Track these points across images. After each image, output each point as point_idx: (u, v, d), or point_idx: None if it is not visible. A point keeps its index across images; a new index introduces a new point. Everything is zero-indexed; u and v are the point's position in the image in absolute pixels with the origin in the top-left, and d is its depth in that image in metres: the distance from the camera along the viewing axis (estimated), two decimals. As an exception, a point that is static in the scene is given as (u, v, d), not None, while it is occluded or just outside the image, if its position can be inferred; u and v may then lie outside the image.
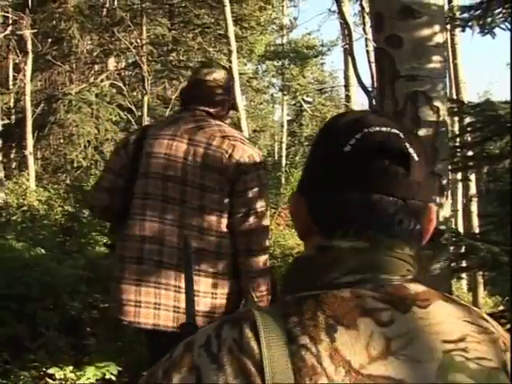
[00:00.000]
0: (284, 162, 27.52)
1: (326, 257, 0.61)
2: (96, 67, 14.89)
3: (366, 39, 7.35)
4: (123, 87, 13.50)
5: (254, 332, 0.56)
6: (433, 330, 0.59)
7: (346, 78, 11.24)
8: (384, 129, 0.64)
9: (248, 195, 2.03)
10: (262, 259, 2.04)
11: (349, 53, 7.84)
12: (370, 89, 5.72)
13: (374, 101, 5.61)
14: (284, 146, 29.73)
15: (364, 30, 7.95)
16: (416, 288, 0.62)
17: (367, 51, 8.06)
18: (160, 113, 14.19)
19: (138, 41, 13.16)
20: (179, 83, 14.65)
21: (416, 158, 0.64)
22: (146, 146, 2.13)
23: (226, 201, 2.03)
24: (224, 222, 2.03)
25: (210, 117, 2.19)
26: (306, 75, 25.25)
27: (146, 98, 13.07)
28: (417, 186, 0.64)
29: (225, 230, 2.04)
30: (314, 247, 0.64)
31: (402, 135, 0.64)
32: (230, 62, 11.56)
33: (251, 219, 2.02)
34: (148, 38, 13.94)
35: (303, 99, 30.60)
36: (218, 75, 2.28)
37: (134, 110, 13.04)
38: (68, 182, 12.13)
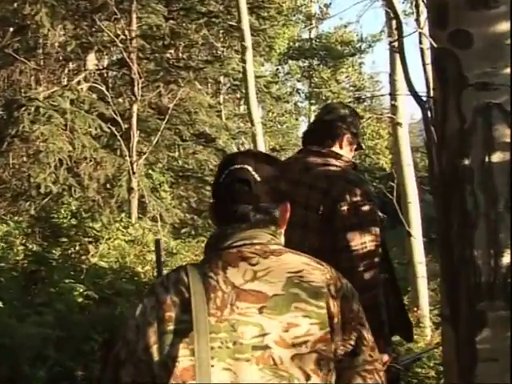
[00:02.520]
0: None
1: (224, 233, 1.65)
2: (71, 65, 15.17)
3: (421, 34, 7.42)
4: (106, 92, 13.71)
5: (185, 273, 1.59)
6: (281, 267, 1.59)
7: (392, 83, 11.24)
8: (239, 166, 1.68)
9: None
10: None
11: (396, 51, 7.91)
12: (424, 98, 5.75)
13: (429, 114, 5.62)
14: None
15: (418, 21, 8.01)
16: (274, 247, 1.65)
17: (421, 50, 8.10)
18: (154, 125, 14.38)
19: (126, 32, 13.40)
20: (178, 88, 14.87)
21: (258, 179, 1.66)
22: None
23: None
24: None
25: (320, 155, 2.97)
26: (340, 79, 25.44)
27: (135, 107, 13.27)
28: (257, 197, 1.67)
29: None
30: (216, 230, 1.69)
31: (250, 168, 1.67)
32: (244, 61, 11.75)
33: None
34: (139, 29, 14.19)
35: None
36: (335, 114, 3.09)
37: (120, 121, 13.20)
38: (33, 212, 12.24)
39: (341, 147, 3.10)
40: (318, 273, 1.63)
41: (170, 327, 1.56)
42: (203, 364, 1.49)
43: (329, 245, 2.74)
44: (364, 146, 3.43)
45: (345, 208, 2.79)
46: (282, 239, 1.74)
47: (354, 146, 3.18)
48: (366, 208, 2.81)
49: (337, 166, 3.00)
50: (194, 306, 1.53)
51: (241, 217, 1.67)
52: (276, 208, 1.71)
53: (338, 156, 3.05)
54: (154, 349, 1.56)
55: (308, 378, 1.55)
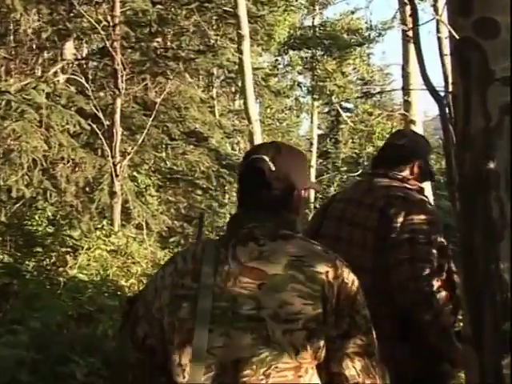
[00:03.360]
0: (312, 194, 27.56)
1: (240, 216, 2.12)
2: (46, 55, 15.13)
3: (439, 22, 7.44)
4: (86, 84, 13.70)
5: (202, 247, 2.08)
6: (286, 250, 1.98)
7: (405, 76, 11.26)
8: (257, 156, 2.10)
9: None
10: None
11: (411, 40, 7.91)
12: (442, 93, 5.75)
13: (447, 111, 5.61)
14: (313, 171, 29.79)
15: (435, 7, 8.01)
16: (285, 231, 2.03)
17: (439, 39, 8.12)
18: (139, 122, 14.37)
19: (109, 18, 13.39)
20: (166, 81, 14.87)
21: (273, 169, 2.06)
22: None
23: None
24: None
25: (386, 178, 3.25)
26: (347, 71, 25.44)
27: (118, 101, 13.25)
28: (271, 184, 2.06)
29: None
30: (235, 213, 2.18)
31: (266, 158, 2.07)
32: (240, 51, 11.79)
33: None
34: (123, 14, 14.18)
35: (341, 106, 30.73)
36: (408, 139, 3.36)
37: (102, 117, 13.19)
38: (3, 218, 12.21)
39: (411, 173, 3.29)
40: (320, 259, 2.01)
41: (182, 292, 2.00)
42: (201, 330, 1.93)
43: (384, 263, 2.96)
44: (433, 175, 3.56)
45: (399, 225, 2.99)
46: (298, 226, 2.11)
47: (425, 175, 3.36)
48: (422, 227, 2.98)
49: (400, 187, 3.18)
50: (203, 277, 1.98)
51: (256, 202, 2.09)
52: (289, 195, 2.10)
53: (404, 179, 3.24)
54: (166, 309, 2.02)
55: (297, 352, 1.91)
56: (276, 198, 2.08)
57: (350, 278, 2.01)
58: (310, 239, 2.14)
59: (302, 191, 2.15)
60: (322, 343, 1.93)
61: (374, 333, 2.02)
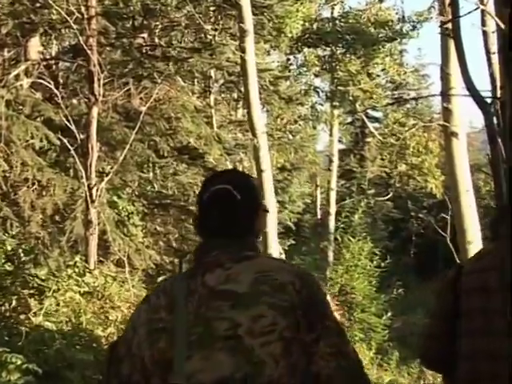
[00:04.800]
0: (333, 222, 27.41)
1: (205, 246, 2.64)
2: (6, 54, 15.20)
3: (484, 13, 7.45)
4: (55, 90, 13.77)
5: (173, 281, 2.64)
6: (251, 269, 2.53)
7: (445, 79, 11.27)
8: (221, 186, 2.62)
9: None
10: None
11: (450, 35, 7.93)
12: (488, 100, 5.74)
13: (495, 120, 5.60)
14: (333, 195, 29.62)
15: (479, -4, 8.04)
16: (249, 253, 2.60)
17: (484, 34, 8.14)
18: (120, 135, 14.41)
19: (83, 9, 13.47)
20: (153, 85, 14.92)
21: (238, 197, 2.60)
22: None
23: None
24: None
25: None
26: (374, 73, 25.45)
27: (95, 110, 13.29)
28: (237, 213, 2.62)
29: None
30: (200, 243, 2.68)
31: (230, 187, 2.60)
32: (243, 49, 11.83)
33: None
34: (100, 5, 14.27)
35: (367, 115, 30.61)
36: None
37: (75, 130, 13.23)
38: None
39: None
40: (285, 272, 2.52)
41: (159, 325, 2.47)
42: (179, 356, 2.39)
43: None
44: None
45: None
46: (259, 246, 2.69)
47: None
48: None
49: None
50: (176, 308, 2.45)
51: (221, 230, 2.59)
52: (253, 220, 2.66)
53: None
54: (145, 344, 2.48)
55: (277, 362, 2.36)
56: (241, 225, 2.62)
57: (316, 286, 2.57)
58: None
59: (262, 214, 2.72)
60: (300, 350, 2.40)
61: (346, 334, 2.56)
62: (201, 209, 2.65)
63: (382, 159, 30.61)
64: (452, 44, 8.84)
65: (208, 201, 2.62)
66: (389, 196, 30.88)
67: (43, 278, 10.56)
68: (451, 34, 7.50)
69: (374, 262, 19.94)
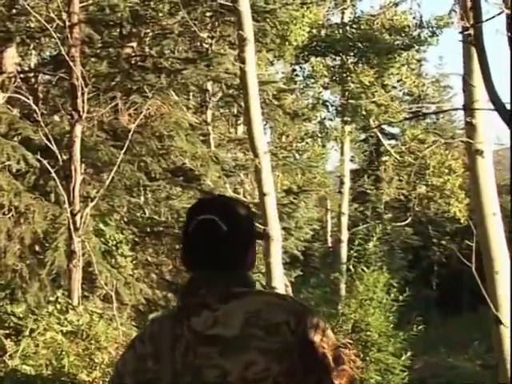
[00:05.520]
0: (345, 251, 27.23)
1: (191, 282, 2.67)
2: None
3: (509, 17, 7.43)
4: (34, 106, 13.78)
5: (158, 326, 2.67)
6: (240, 309, 2.55)
7: (468, 90, 11.26)
8: (206, 216, 2.65)
9: None
10: None
11: (472, 43, 7.91)
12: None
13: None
14: (345, 220, 29.51)
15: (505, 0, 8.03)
16: (237, 289, 2.61)
17: (510, 40, 8.13)
18: (107, 156, 14.41)
19: (65, 16, 13.50)
20: (143, 100, 14.93)
21: (225, 229, 2.62)
22: None
23: None
24: None
25: None
26: (389, 84, 25.49)
27: (78, 128, 13.30)
28: (224, 245, 2.64)
29: None
30: (186, 278, 2.74)
31: (216, 218, 2.63)
32: (243, 60, 11.85)
33: None
34: (84, 10, 14.31)
35: (382, 131, 30.59)
36: None
37: (56, 150, 13.23)
38: None
39: None
40: (278, 310, 2.53)
41: (146, 376, 2.53)
42: None
43: None
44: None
45: None
46: (252, 278, 2.69)
47: None
48: None
49: None
50: (162, 357, 2.51)
51: (208, 264, 2.62)
52: (243, 252, 2.68)
53: None
54: None
55: None
56: (229, 258, 2.64)
57: (314, 322, 2.54)
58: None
59: (254, 245, 2.76)
60: None
61: (355, 378, 2.58)
62: (185, 240, 2.69)
63: (400, 180, 30.67)
64: (473, 52, 8.85)
65: (192, 232, 2.64)
66: (407, 221, 30.76)
67: (21, 315, 10.55)
68: (473, 41, 7.50)
69: (392, 295, 19.81)
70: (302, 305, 2.63)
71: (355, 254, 21.71)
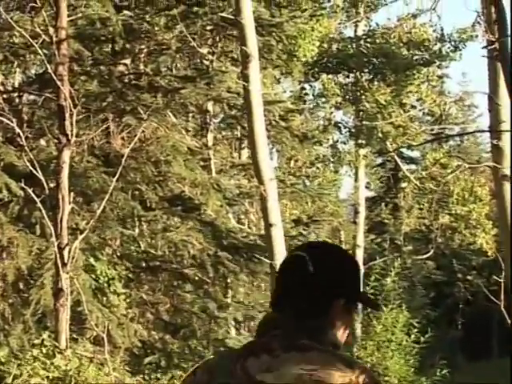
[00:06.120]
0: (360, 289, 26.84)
1: (266, 321, 2.76)
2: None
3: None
4: (18, 129, 13.82)
5: (220, 358, 2.96)
6: (298, 362, 2.57)
7: (494, 111, 11.29)
8: (296, 253, 2.74)
9: None
10: None
11: (498, 58, 7.92)
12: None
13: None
14: (360, 253, 29.40)
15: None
16: (305, 342, 2.61)
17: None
18: (98, 183, 14.43)
19: (52, 31, 13.58)
20: (138, 122, 14.96)
21: (311, 270, 2.62)
22: None
23: None
24: None
25: None
26: (407, 103, 25.50)
27: (66, 154, 13.34)
28: (307, 288, 2.65)
29: None
30: (267, 313, 2.84)
31: (307, 257, 2.65)
32: (246, 77, 11.89)
33: None
34: (72, 24, 14.37)
35: (401, 155, 30.48)
36: None
37: (42, 177, 13.27)
38: None
39: None
40: (337, 374, 2.52)
41: None
42: None
43: None
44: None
45: None
46: (330, 337, 2.69)
47: None
48: None
49: None
50: None
51: (287, 304, 2.65)
52: (326, 303, 2.66)
53: None
54: None
55: None
56: (309, 304, 2.65)
57: None
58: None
59: (344, 302, 2.69)
60: None
61: None
62: (276, 276, 2.77)
63: (420, 209, 30.70)
64: (499, 68, 8.89)
65: (280, 267, 2.74)
66: (429, 254, 30.75)
67: (3, 360, 10.53)
68: (499, 56, 7.53)
69: (412, 336, 19.85)
70: (364, 369, 2.61)
71: (371, 291, 21.75)
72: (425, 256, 31.13)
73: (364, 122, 24.64)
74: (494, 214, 22.43)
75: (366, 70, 24.87)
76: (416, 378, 19.48)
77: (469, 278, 35.45)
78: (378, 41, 25.24)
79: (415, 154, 33.46)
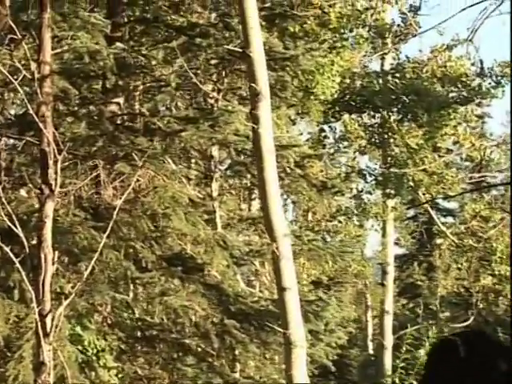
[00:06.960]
0: (389, 360, 27.00)
1: None
2: None
3: None
4: (-6, 178, 13.89)
5: None
6: None
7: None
8: (451, 337, 2.90)
9: None
10: None
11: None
12: None
13: None
14: (390, 320, 29.32)
15: None
16: None
17: None
18: (85, 241, 14.44)
19: (33, 67, 13.66)
20: (132, 170, 15.00)
21: (461, 356, 2.72)
22: None
23: None
24: None
25: None
26: (442, 147, 25.55)
27: (49, 206, 13.37)
28: (455, 373, 2.76)
29: None
30: None
31: (459, 342, 2.78)
32: (256, 119, 11.94)
33: None
34: (57, 58, 14.45)
35: (435, 206, 30.43)
36: None
37: (21, 234, 13.29)
38: None
39: None
40: None
41: None
42: None
43: None
44: None
45: None
46: None
47: None
48: None
49: None
50: None
51: None
52: None
53: None
54: None
55: None
56: None
57: None
58: None
59: None
60: None
61: None
62: None
63: (459, 269, 30.68)
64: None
65: (430, 349, 2.92)
66: (469, 321, 30.71)
67: None
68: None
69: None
70: None
71: (402, 364, 21.63)
72: (464, 323, 31.05)
73: (392, 169, 24.66)
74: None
75: (395, 109, 24.95)
76: None
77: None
78: (407, 76, 25.34)
79: (452, 205, 33.46)
